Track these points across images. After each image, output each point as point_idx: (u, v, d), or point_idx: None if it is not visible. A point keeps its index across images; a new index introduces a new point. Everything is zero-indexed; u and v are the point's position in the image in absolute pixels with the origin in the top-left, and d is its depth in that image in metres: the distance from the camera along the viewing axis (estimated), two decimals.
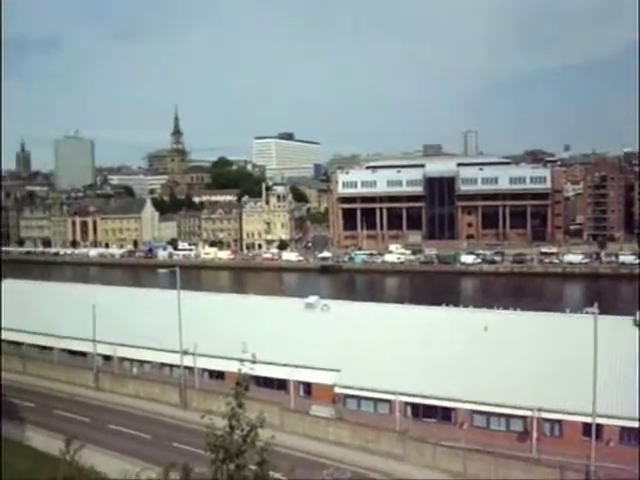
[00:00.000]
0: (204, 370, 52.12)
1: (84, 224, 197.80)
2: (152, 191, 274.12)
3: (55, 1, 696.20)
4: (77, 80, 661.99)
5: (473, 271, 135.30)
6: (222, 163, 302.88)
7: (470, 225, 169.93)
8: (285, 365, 46.78)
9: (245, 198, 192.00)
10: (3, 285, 75.53)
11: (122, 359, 56.59)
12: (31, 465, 33.18)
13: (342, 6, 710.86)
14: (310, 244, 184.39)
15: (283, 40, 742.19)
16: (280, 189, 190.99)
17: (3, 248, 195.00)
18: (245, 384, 7.89)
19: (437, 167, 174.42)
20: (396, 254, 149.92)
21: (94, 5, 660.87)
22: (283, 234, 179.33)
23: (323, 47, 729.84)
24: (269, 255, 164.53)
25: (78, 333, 57.21)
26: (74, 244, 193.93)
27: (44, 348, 60.93)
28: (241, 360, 8.47)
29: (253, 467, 7.60)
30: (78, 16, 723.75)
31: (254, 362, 8.79)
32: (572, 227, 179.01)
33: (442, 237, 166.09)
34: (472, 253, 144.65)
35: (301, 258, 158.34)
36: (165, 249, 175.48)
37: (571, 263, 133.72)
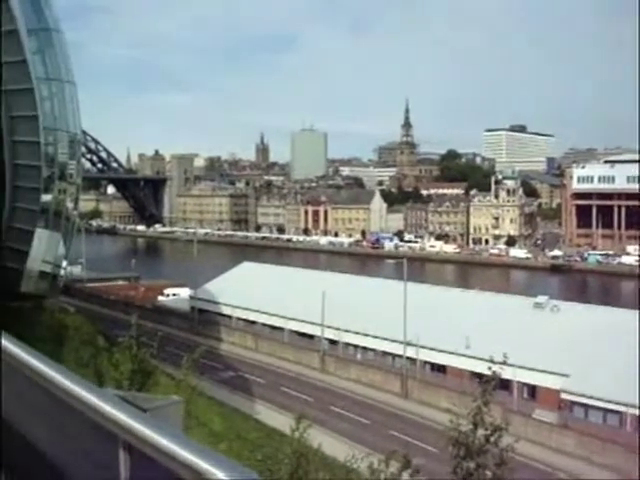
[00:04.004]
0: (426, 362, 52.18)
1: (315, 213, 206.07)
2: (381, 183, 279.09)
3: None
4: (312, 74, 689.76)
5: None
6: (451, 156, 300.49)
7: None
8: (510, 365, 45.24)
9: (473, 191, 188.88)
10: (242, 266, 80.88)
11: (347, 344, 58.18)
12: (259, 437, 35.12)
13: None
14: (540, 241, 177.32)
15: (518, 33, 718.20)
16: (510, 183, 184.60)
17: (242, 233, 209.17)
18: (494, 384, 7.66)
19: None
20: (635, 256, 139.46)
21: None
22: (512, 230, 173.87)
23: (558, 38, 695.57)
24: (496, 251, 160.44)
25: (307, 316, 59.69)
26: (306, 232, 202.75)
27: (275, 328, 64.36)
28: (492, 361, 8.15)
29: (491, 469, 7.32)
30: (314, 11, 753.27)
31: (504, 363, 8.50)
32: None
33: None
34: None
35: (529, 255, 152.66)
36: (391, 240, 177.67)
37: None
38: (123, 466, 2.39)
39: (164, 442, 2.09)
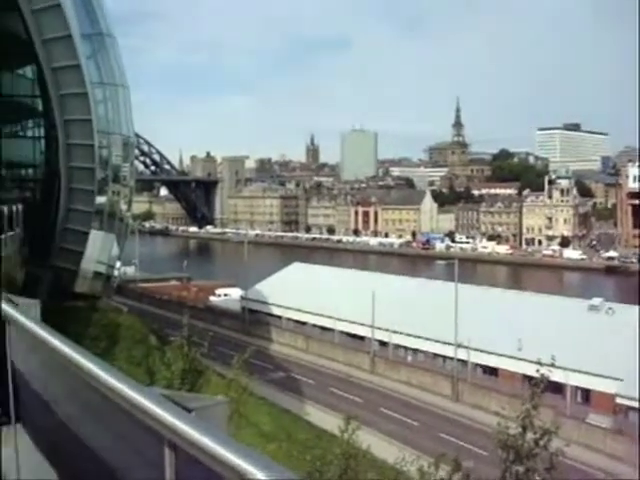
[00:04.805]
0: (477, 365, 51.59)
1: (366, 214, 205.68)
2: (431, 183, 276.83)
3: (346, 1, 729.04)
4: (363, 74, 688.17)
5: None
6: (503, 155, 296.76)
7: None
8: (563, 368, 44.44)
9: (526, 192, 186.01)
10: (292, 267, 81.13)
11: (397, 346, 57.89)
12: (308, 438, 35.15)
13: None
14: (595, 242, 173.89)
15: (570, 31, 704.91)
16: (564, 183, 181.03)
17: (292, 234, 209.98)
18: (543, 386, 7.51)
19: None
20: None
21: (385, 1, 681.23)
22: (565, 230, 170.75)
23: (608, 35, 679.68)
24: (549, 252, 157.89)
25: (357, 317, 59.58)
26: (356, 232, 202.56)
27: (325, 329, 64.38)
28: (541, 363, 7.97)
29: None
30: (367, 12, 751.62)
31: (552, 365, 8.34)
32: None
33: None
34: None
35: (584, 257, 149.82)
36: (442, 241, 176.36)
37: None
38: (168, 465, 2.41)
39: (208, 442, 2.09)
